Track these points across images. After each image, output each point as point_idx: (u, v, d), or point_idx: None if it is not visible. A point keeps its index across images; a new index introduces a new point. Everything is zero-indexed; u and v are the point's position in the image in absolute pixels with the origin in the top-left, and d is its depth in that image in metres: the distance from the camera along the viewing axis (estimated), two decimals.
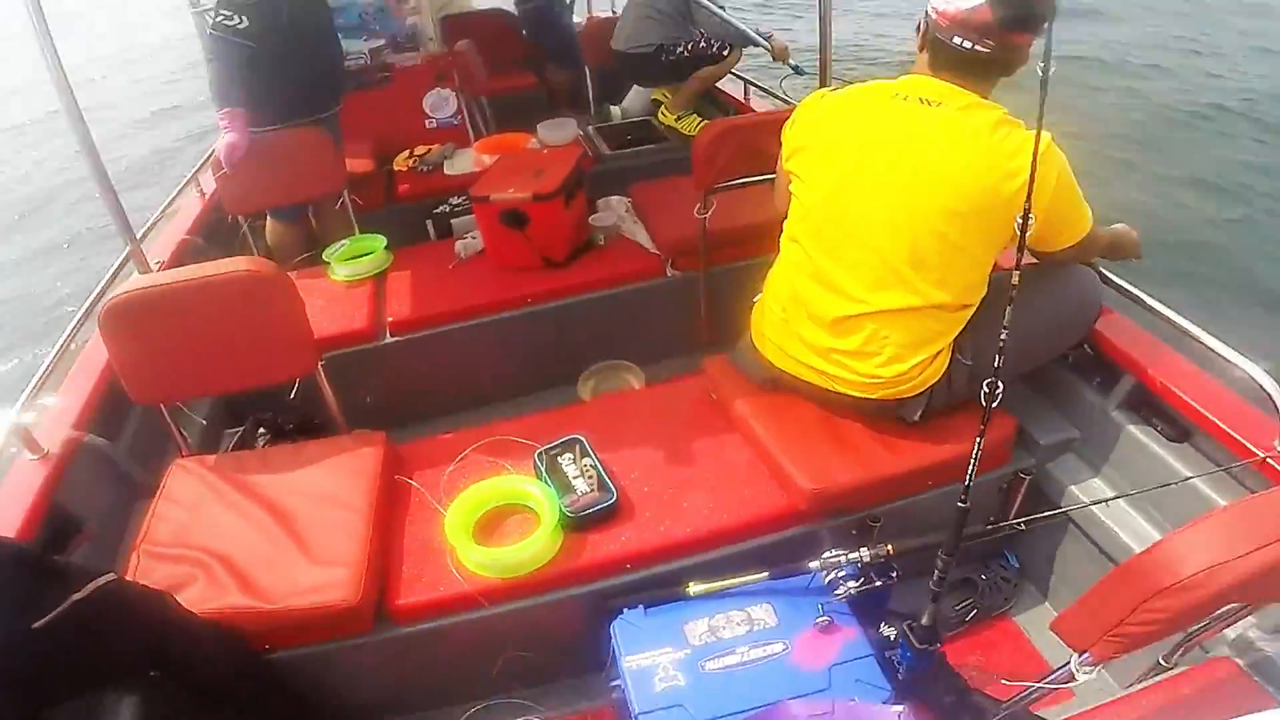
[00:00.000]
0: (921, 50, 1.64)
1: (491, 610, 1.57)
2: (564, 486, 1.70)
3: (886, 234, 1.57)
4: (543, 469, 1.76)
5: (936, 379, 1.65)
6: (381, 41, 4.08)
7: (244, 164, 2.71)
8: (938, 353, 1.63)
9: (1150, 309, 1.73)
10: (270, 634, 1.51)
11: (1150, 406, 1.73)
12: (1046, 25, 1.42)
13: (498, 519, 1.70)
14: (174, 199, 3.31)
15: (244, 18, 2.61)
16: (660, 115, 3.95)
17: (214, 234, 3.18)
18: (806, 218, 1.70)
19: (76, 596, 1.12)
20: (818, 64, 2.88)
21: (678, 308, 2.62)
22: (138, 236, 2.69)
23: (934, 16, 1.56)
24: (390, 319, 2.46)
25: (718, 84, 4.00)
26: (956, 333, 1.64)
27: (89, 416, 1.99)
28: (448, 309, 2.49)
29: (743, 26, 3.79)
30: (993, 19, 1.47)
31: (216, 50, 2.67)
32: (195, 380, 1.90)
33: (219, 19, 2.62)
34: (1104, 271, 1.82)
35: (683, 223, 2.54)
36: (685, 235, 2.53)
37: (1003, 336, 1.22)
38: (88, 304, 2.35)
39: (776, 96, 3.74)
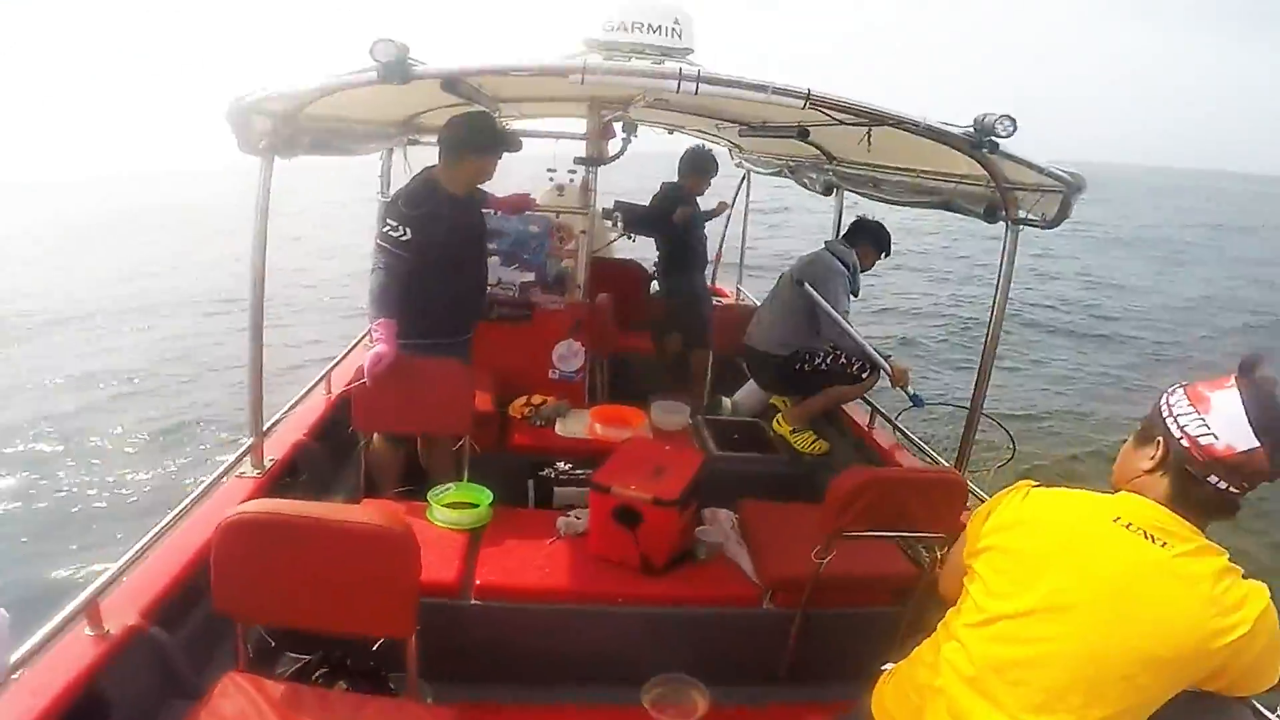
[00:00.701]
0: (1154, 472, 1.46)
1: None
2: None
3: (1068, 667, 1.40)
4: None
5: None
6: (531, 276, 4.15)
7: (384, 381, 2.74)
8: None
9: None
10: None
11: None
12: None
13: None
14: (301, 398, 3.45)
15: (407, 230, 2.76)
16: (776, 423, 3.94)
17: (328, 439, 3.25)
18: (983, 625, 1.50)
19: None
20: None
21: (765, 640, 2.48)
22: (263, 430, 2.79)
23: (1186, 445, 1.39)
24: (478, 581, 2.40)
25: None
26: None
27: (158, 606, 1.98)
28: (537, 585, 2.43)
29: (865, 343, 3.75)
30: (1269, 468, 1.34)
31: (380, 260, 2.81)
32: (285, 609, 1.85)
33: (385, 229, 2.80)
34: (1259, 706, 1.68)
35: (790, 558, 2.46)
36: (791, 573, 2.44)
37: None
38: (197, 493, 2.44)
39: (900, 430, 3.72)
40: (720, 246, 5.84)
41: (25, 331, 11.15)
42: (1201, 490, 1.39)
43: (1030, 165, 2.19)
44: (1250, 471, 1.34)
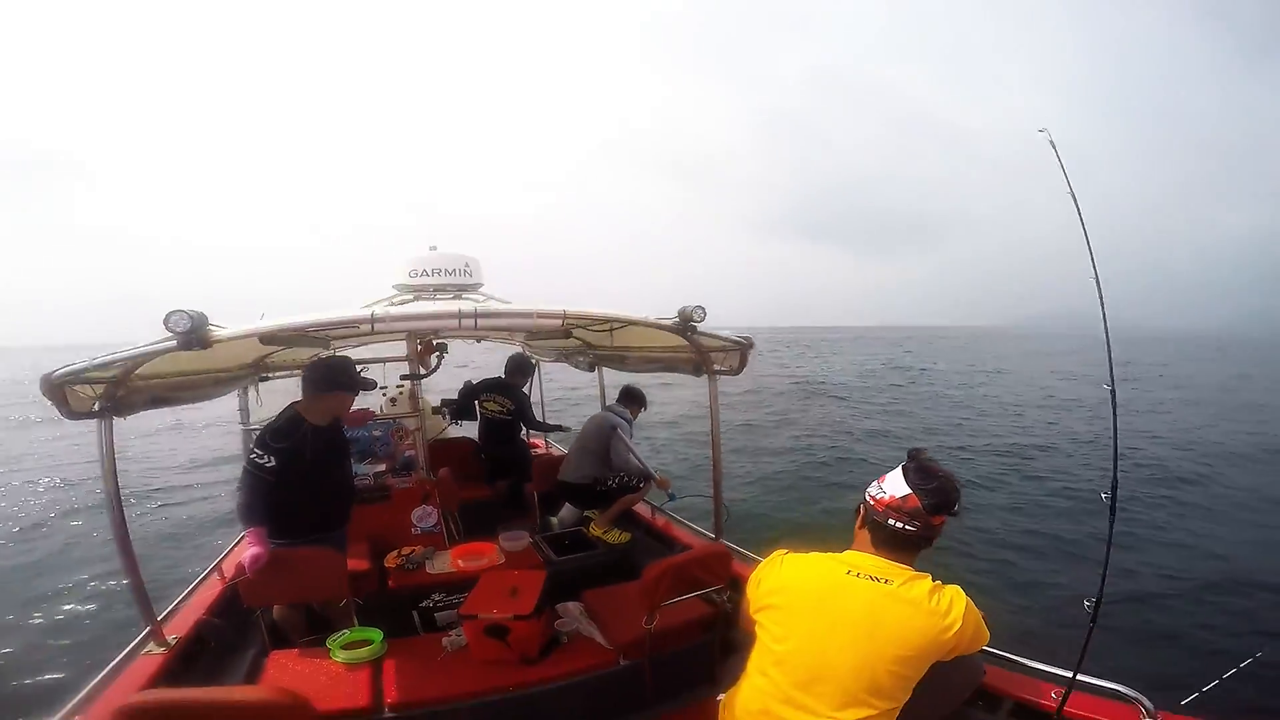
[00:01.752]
0: (860, 528, 1.63)
1: None
2: None
3: (851, 675, 1.49)
4: None
5: None
6: (383, 467, 4.03)
7: (270, 567, 2.45)
8: None
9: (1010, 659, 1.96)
10: None
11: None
12: (958, 509, 1.54)
13: None
14: (195, 587, 2.90)
15: (272, 459, 2.54)
16: (591, 528, 3.94)
17: (227, 613, 2.79)
18: (780, 663, 1.57)
19: None
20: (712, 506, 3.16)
21: (628, 684, 2.42)
22: (158, 617, 2.30)
23: (871, 503, 1.58)
24: (388, 700, 2.12)
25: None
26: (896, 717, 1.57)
27: None
28: (439, 695, 2.19)
29: (643, 464, 4.02)
30: (920, 506, 1.51)
31: (245, 480, 2.55)
32: None
33: (252, 455, 2.56)
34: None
35: (628, 625, 2.48)
36: (631, 635, 2.44)
37: None
38: (104, 674, 2.03)
39: (674, 518, 3.88)
40: (549, 425, 5.86)
41: None
42: (886, 531, 1.55)
43: (716, 337, 2.51)
44: (910, 510, 1.52)
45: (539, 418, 5.65)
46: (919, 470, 1.56)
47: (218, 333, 1.65)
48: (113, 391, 2.11)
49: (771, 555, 1.75)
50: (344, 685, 2.19)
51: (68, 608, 5.62)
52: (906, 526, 1.53)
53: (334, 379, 2.74)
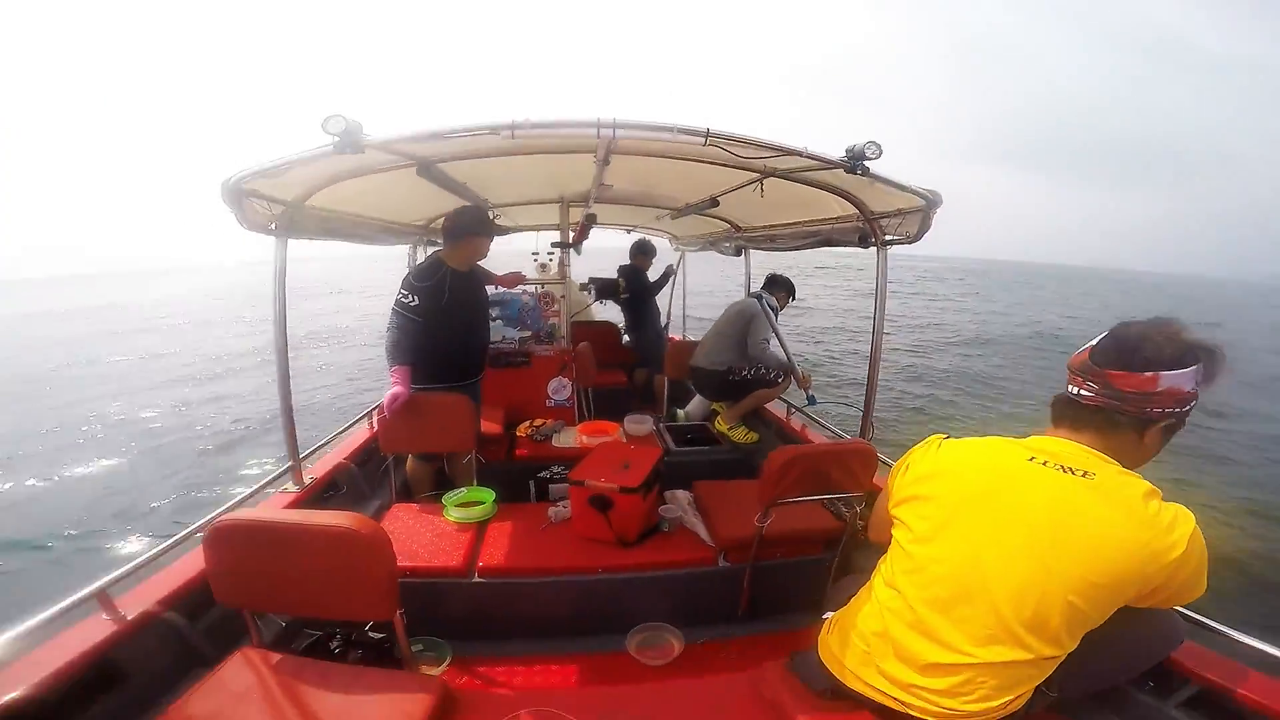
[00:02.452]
0: (1055, 412, 1.25)
1: None
2: None
3: (1011, 599, 1.12)
4: None
5: (1018, 709, 1.19)
6: (529, 333, 4.11)
7: (401, 413, 2.53)
8: (1027, 689, 1.18)
9: (1226, 635, 1.45)
10: None
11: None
12: (1163, 368, 1.08)
13: None
14: (345, 429, 3.19)
15: (415, 297, 2.59)
16: (717, 423, 3.73)
17: (366, 463, 2.99)
18: (917, 571, 1.22)
19: None
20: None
21: (723, 590, 2.22)
22: (300, 455, 2.52)
23: (1069, 374, 1.22)
24: (480, 564, 2.13)
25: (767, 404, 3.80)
26: (1051, 671, 1.18)
27: (176, 598, 1.73)
28: (531, 565, 2.16)
29: (787, 356, 3.67)
30: (1087, 357, 1.16)
31: (394, 320, 2.62)
32: (276, 600, 1.56)
33: (399, 295, 2.62)
34: (1183, 610, 1.42)
35: (737, 524, 2.24)
36: (738, 535, 2.20)
37: None
38: (233, 502, 2.14)
39: (815, 420, 3.50)
40: (669, 304, 5.79)
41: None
42: (1066, 402, 1.20)
43: (895, 184, 1.97)
44: (1079, 365, 1.18)
45: (673, 313, 5.68)
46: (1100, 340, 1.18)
47: (370, 138, 1.65)
48: (289, 213, 2.22)
49: (927, 439, 1.35)
50: (446, 543, 2.22)
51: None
52: (1082, 391, 1.16)
53: (465, 225, 2.75)
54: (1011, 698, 1.16)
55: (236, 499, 2.18)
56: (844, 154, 1.73)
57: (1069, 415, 1.20)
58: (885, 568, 1.31)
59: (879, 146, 1.70)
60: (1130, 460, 1.15)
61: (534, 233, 4.73)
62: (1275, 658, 1.35)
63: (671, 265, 5.55)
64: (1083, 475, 1.12)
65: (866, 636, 1.29)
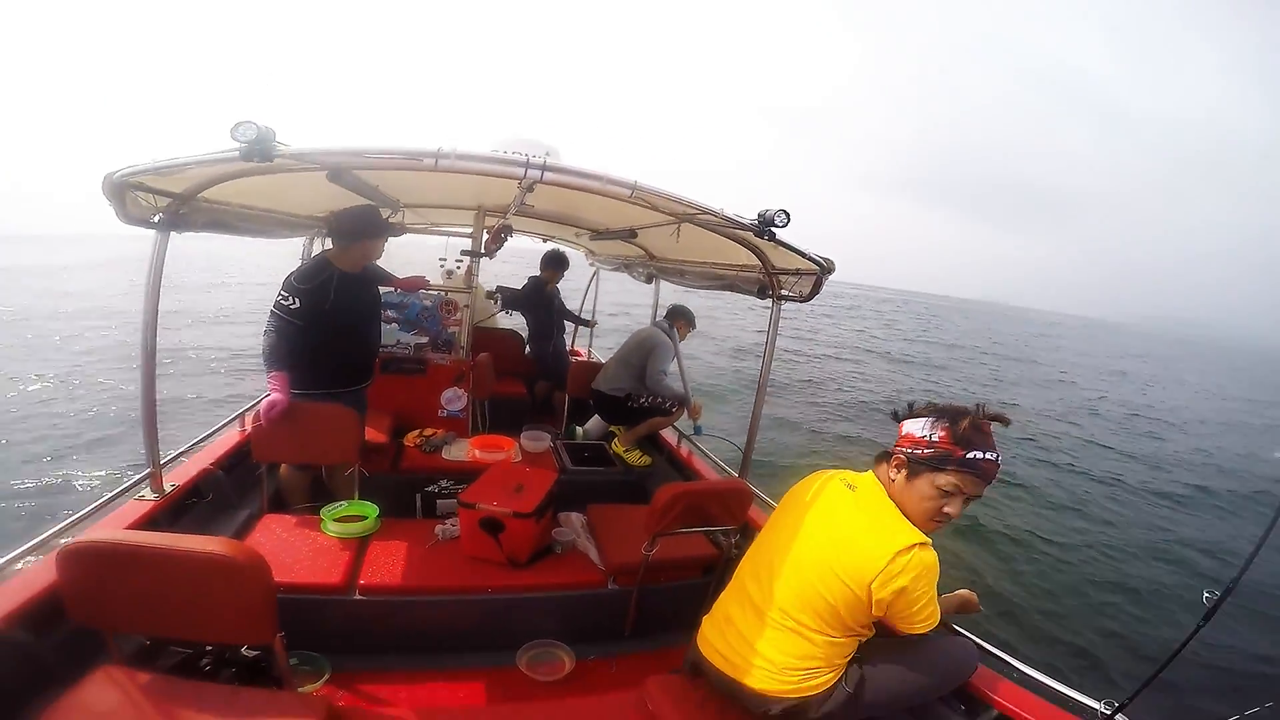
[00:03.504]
0: (886, 463, 1.53)
1: None
2: None
3: (794, 578, 1.48)
4: None
5: (816, 693, 1.47)
6: (425, 339, 3.94)
7: (279, 421, 2.37)
8: (820, 671, 1.47)
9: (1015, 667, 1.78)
10: None
11: None
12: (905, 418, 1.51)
13: None
14: (210, 435, 2.90)
15: (297, 300, 2.45)
16: (614, 444, 3.80)
17: (234, 470, 2.75)
18: (751, 557, 1.65)
19: None
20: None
21: (612, 610, 2.28)
22: (161, 462, 2.28)
23: (898, 438, 1.52)
24: (362, 581, 2.04)
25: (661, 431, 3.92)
26: (841, 660, 1.50)
27: (23, 611, 1.54)
28: (417, 583, 2.09)
29: (683, 387, 3.82)
30: (937, 436, 1.43)
31: (272, 323, 2.45)
32: (141, 622, 1.42)
33: (279, 297, 2.47)
34: (979, 641, 1.78)
35: (626, 549, 2.30)
36: (627, 560, 2.27)
37: None
38: (84, 511, 1.96)
39: (701, 450, 3.64)
40: (578, 317, 5.75)
41: None
42: (896, 458, 1.49)
43: (796, 250, 2.15)
44: (919, 440, 1.46)
45: (584, 319, 5.69)
46: (937, 409, 1.50)
47: (283, 149, 1.51)
48: (176, 206, 2.02)
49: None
50: (325, 559, 2.11)
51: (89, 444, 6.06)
52: (919, 451, 1.44)
53: (355, 226, 2.61)
54: (806, 669, 1.45)
55: (89, 508, 1.97)
56: (756, 217, 1.88)
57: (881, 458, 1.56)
58: (742, 559, 1.68)
59: (787, 215, 1.86)
60: (893, 489, 1.49)
61: (445, 237, 4.54)
62: (1054, 690, 1.66)
63: (591, 319, 5.66)
64: (850, 489, 1.51)
65: (716, 620, 1.64)
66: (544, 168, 1.68)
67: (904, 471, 1.46)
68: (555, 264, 5.01)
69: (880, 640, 1.55)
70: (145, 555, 1.30)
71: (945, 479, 1.39)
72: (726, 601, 1.65)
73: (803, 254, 2.17)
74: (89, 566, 1.30)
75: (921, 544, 1.36)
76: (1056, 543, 6.12)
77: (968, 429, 1.40)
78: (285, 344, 2.43)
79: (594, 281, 5.84)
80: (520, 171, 1.69)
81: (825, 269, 2.29)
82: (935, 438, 1.42)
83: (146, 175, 1.79)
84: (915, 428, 1.47)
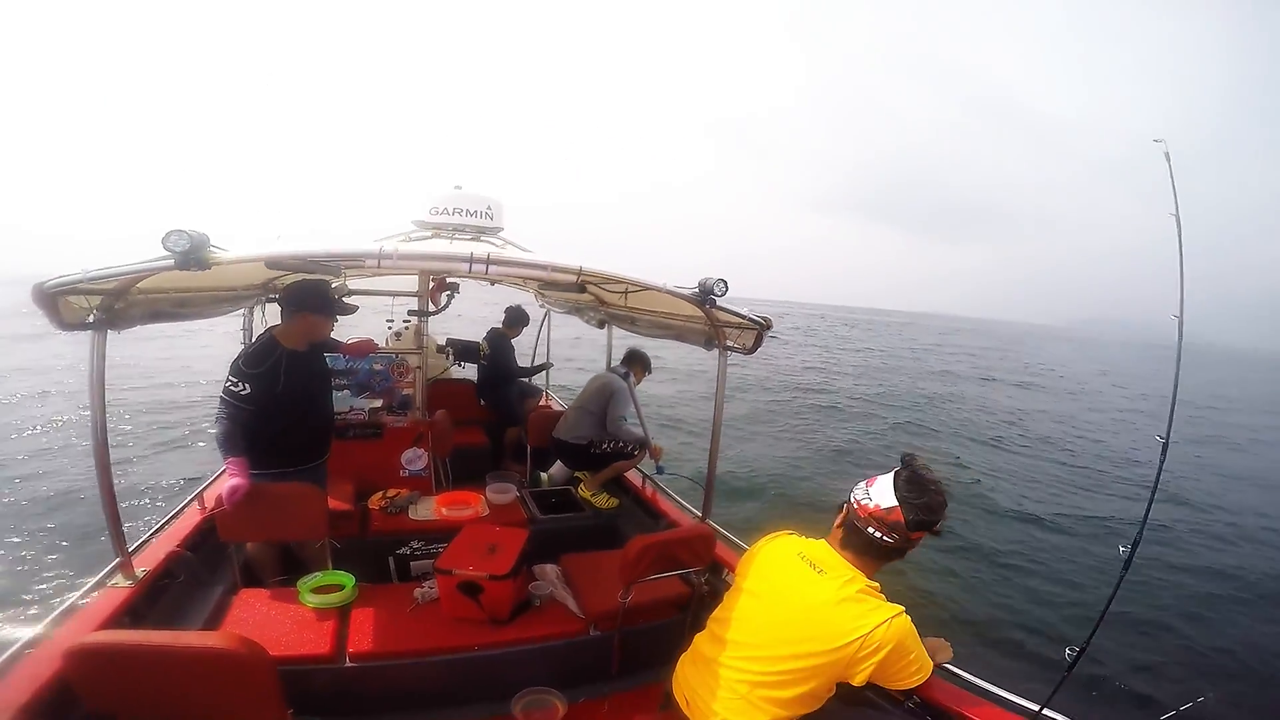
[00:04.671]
0: (838, 526, 1.57)
1: None
2: None
3: (768, 654, 1.52)
4: None
5: None
6: (379, 403, 3.96)
7: (246, 500, 2.38)
8: None
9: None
10: None
11: None
12: (940, 528, 1.45)
13: None
14: (172, 518, 2.85)
15: (247, 385, 2.47)
16: (580, 489, 3.88)
17: (201, 548, 2.72)
18: (719, 621, 1.70)
19: None
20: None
21: (596, 654, 2.38)
22: (129, 550, 2.26)
23: (855, 506, 1.50)
24: (350, 649, 2.09)
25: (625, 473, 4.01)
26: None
27: (34, 705, 1.54)
28: (405, 646, 2.15)
29: (642, 431, 3.94)
30: (904, 520, 1.43)
31: (223, 410, 2.47)
32: (156, 711, 1.44)
33: (228, 383, 2.48)
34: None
35: (603, 596, 2.42)
36: (605, 607, 2.38)
37: None
38: (64, 608, 1.96)
39: (661, 489, 3.78)
40: (532, 361, 5.88)
41: None
42: (862, 537, 1.50)
43: (736, 314, 2.34)
44: (892, 522, 1.45)
45: (541, 362, 5.78)
46: (911, 481, 1.47)
47: (219, 255, 1.55)
48: (109, 303, 2.00)
49: (769, 536, 1.76)
50: (309, 630, 2.15)
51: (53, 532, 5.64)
52: (885, 538, 1.46)
53: (304, 301, 2.64)
54: None
55: (71, 599, 1.99)
56: (697, 288, 2.08)
57: (862, 547, 1.53)
58: (710, 618, 1.76)
59: (725, 284, 2.09)
60: (873, 572, 1.53)
61: (390, 298, 4.54)
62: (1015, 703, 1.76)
63: (550, 362, 5.76)
64: (819, 572, 1.52)
65: (705, 659, 1.69)
66: (488, 261, 1.78)
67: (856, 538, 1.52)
68: (518, 321, 5.24)
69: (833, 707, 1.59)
70: (150, 654, 1.35)
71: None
72: (696, 648, 1.73)
73: (743, 316, 2.37)
74: (97, 665, 1.34)
75: (895, 616, 1.42)
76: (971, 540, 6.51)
77: (923, 511, 1.44)
78: (239, 429, 2.45)
79: (545, 323, 5.95)
80: (465, 266, 1.79)
81: (765, 326, 2.50)
82: (893, 536, 1.46)
83: (80, 283, 1.81)
84: (876, 504, 1.48)
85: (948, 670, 1.88)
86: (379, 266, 1.66)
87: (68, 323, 1.91)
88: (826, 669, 1.45)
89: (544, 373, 5.83)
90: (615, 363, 4.35)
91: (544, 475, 4.34)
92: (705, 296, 2.08)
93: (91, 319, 1.98)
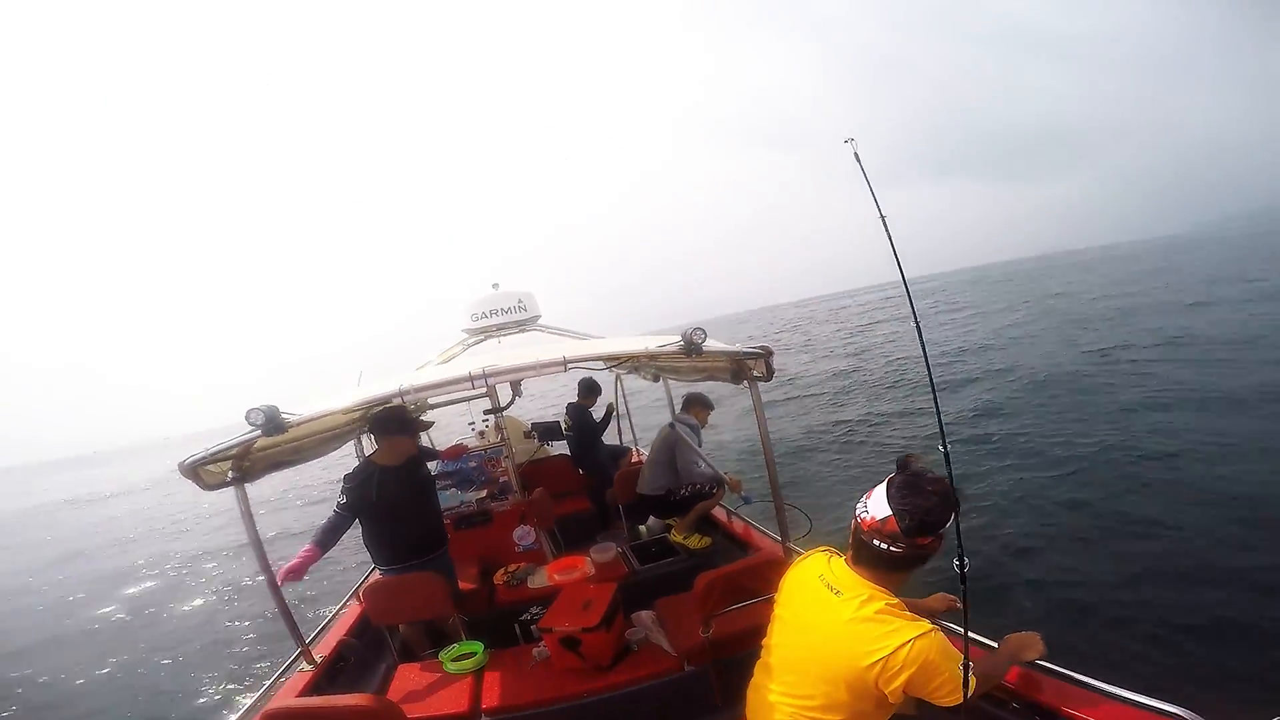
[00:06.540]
0: (851, 542, 1.55)
1: None
2: None
3: (788, 668, 1.60)
4: None
5: None
6: (484, 493, 4.47)
7: (383, 591, 2.96)
8: None
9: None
10: None
11: None
12: (950, 523, 1.39)
13: None
14: (337, 612, 3.51)
15: (344, 496, 3.02)
16: (673, 534, 4.15)
17: (363, 634, 3.33)
18: (765, 648, 1.75)
19: None
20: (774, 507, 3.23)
21: (695, 688, 2.60)
22: (307, 640, 2.87)
23: (858, 520, 1.49)
24: (484, 706, 2.50)
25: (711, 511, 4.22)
26: None
27: None
28: (527, 699, 2.53)
29: (712, 469, 4.17)
30: (899, 529, 1.40)
31: (330, 515, 2.99)
32: None
33: (338, 496, 3.04)
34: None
35: (689, 634, 2.66)
36: (695, 644, 2.62)
37: None
38: (265, 688, 2.63)
39: (746, 520, 3.98)
40: (616, 421, 6.22)
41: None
42: (870, 551, 1.48)
43: (726, 353, 2.56)
44: (890, 531, 1.42)
45: (619, 426, 6.15)
46: (904, 485, 1.44)
47: (290, 419, 2.11)
48: (239, 465, 2.65)
49: (798, 559, 1.79)
50: (451, 693, 2.60)
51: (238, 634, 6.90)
52: (890, 548, 1.43)
53: (384, 426, 3.20)
54: None
55: (270, 681, 2.64)
56: (682, 341, 2.37)
57: (872, 560, 1.51)
58: (764, 640, 1.79)
59: (704, 332, 2.37)
60: (894, 585, 1.51)
61: (466, 403, 5.10)
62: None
63: (612, 403, 6.10)
64: (836, 594, 1.51)
65: (758, 687, 1.74)
66: (485, 376, 2.21)
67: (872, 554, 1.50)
68: (591, 391, 5.70)
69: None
70: (313, 714, 1.87)
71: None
72: (755, 676, 1.76)
73: (734, 352, 2.59)
74: None
75: (918, 637, 1.38)
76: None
77: (917, 515, 1.41)
78: (328, 528, 2.96)
79: (618, 386, 6.42)
80: (468, 387, 2.26)
81: (764, 354, 2.66)
82: (899, 545, 1.43)
83: (208, 458, 2.46)
84: (872, 515, 1.47)
85: (1047, 666, 1.78)
86: (402, 400, 2.17)
87: (210, 485, 2.53)
88: (859, 690, 1.42)
89: (631, 433, 6.19)
90: (679, 409, 4.62)
91: (641, 528, 4.66)
92: (690, 348, 2.35)
93: (229, 478, 2.61)
